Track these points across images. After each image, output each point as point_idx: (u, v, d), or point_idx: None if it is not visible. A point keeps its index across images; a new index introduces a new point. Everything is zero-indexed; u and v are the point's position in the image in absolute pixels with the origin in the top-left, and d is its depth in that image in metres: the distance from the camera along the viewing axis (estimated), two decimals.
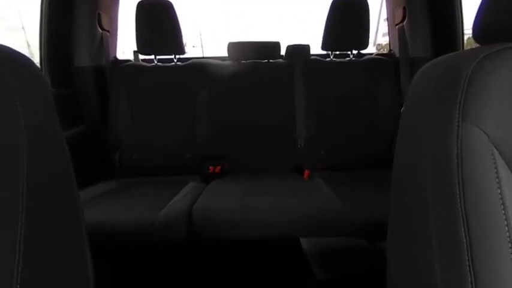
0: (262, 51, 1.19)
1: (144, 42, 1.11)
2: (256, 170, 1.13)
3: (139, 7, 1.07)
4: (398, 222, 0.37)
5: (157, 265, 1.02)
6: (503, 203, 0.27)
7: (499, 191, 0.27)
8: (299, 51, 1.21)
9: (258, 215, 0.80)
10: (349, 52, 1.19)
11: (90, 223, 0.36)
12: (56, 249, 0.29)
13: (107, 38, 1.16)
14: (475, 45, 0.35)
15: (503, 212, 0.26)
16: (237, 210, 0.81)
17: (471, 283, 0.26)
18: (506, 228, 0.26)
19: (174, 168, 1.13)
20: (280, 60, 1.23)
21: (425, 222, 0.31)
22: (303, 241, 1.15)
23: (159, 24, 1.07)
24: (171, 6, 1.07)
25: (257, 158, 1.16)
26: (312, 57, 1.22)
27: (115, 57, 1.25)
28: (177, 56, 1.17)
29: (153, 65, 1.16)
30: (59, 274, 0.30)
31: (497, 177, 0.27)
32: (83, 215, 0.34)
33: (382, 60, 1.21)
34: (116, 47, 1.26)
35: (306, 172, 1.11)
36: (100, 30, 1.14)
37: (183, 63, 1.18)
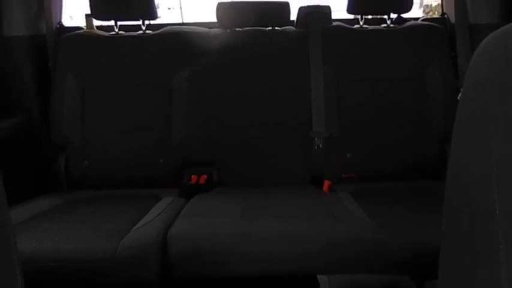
0: (264, 15, 1.01)
1: (99, 3, 0.96)
2: (256, 181, 0.97)
3: None
4: (453, 253, 0.28)
5: None
6: None
7: None
8: (316, 14, 1.04)
9: (257, 245, 0.69)
10: (386, 16, 1.02)
11: (24, 254, 0.33)
12: None
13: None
14: None
15: None
16: (228, 237, 0.70)
17: None
18: None
19: (142, 178, 0.96)
20: (291, 27, 1.06)
21: (491, 252, 0.23)
22: (322, 279, 0.91)
23: None
24: None
25: (257, 165, 0.99)
26: (334, 23, 1.05)
27: (60, 24, 1.04)
28: (147, 22, 1.00)
29: (113, 34, 0.99)
30: None
31: None
32: (15, 245, 0.28)
33: (432, 27, 1.03)
34: (61, 11, 1.05)
35: (326, 183, 0.95)
36: None
37: (155, 32, 1.00)
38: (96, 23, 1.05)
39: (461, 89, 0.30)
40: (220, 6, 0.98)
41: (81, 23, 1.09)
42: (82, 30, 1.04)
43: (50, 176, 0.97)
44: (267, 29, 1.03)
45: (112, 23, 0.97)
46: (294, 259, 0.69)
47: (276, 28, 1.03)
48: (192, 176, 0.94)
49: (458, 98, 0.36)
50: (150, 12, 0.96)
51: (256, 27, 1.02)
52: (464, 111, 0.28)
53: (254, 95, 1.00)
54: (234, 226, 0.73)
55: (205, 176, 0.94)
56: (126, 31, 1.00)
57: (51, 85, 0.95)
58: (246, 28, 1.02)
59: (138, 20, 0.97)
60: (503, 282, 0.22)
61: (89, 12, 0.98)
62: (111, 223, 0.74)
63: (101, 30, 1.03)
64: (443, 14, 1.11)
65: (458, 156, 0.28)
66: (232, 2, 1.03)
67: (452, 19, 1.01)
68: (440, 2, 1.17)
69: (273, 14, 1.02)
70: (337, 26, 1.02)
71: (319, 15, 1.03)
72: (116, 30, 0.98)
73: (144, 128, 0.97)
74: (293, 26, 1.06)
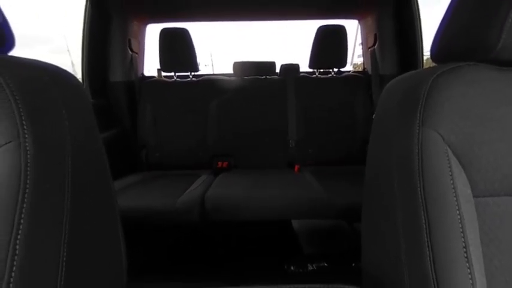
0: (261, 69, 1.27)
1: (165, 62, 1.21)
2: (256, 166, 1.21)
3: (162, 33, 1.18)
4: (370, 207, 0.39)
5: (177, 242, 1.07)
6: (455, 192, 0.28)
7: (451, 182, 0.28)
8: (291, 69, 1.30)
9: (258, 202, 0.84)
10: (331, 70, 1.28)
11: (122, 208, 0.35)
12: (95, 233, 0.30)
13: (135, 59, 1.28)
14: (432, 64, 0.37)
15: (455, 199, 0.28)
16: (241, 197, 0.85)
17: (429, 257, 0.28)
18: (458, 212, 0.28)
19: (190, 164, 1.21)
20: (276, 76, 1.31)
21: (392, 208, 0.32)
22: (294, 223, 1.23)
23: (177, 47, 1.18)
24: (187, 32, 1.18)
25: (257, 156, 1.24)
26: (301, 74, 1.31)
27: (142, 74, 1.36)
28: (192, 73, 1.27)
29: (173, 81, 1.26)
30: (98, 258, 0.31)
31: (450, 171, 0.29)
32: (116, 202, 0.34)
33: (358, 76, 1.30)
34: (143, 66, 1.37)
35: (296, 167, 1.19)
36: (130, 52, 1.26)
37: (197, 79, 1.27)
38: (163, 73, 1.32)
39: (375, 112, 0.38)
40: (235, 64, 1.27)
41: (154, 73, 1.36)
42: (155, 78, 1.32)
43: (137, 163, 1.22)
44: (262, 77, 1.28)
45: (172, 74, 1.24)
46: (278, 210, 0.84)
47: (267, 76, 1.28)
48: (219, 162, 1.21)
49: (373, 117, 0.39)
50: (195, 67, 1.22)
51: (256, 76, 1.27)
52: (376, 125, 0.38)
53: (255, 114, 1.23)
54: (244, 191, 0.88)
55: (226, 162, 1.20)
56: (180, 79, 1.26)
57: (137, 110, 1.23)
58: (250, 76, 1.27)
59: (188, 72, 1.24)
60: (399, 226, 0.31)
61: (159, 67, 1.26)
62: (172, 189, 0.90)
63: (166, 78, 1.29)
64: (364, 68, 1.40)
65: (373, 150, 0.38)
66: (242, 61, 1.26)
67: (370, 71, 1.30)
68: (362, 61, 1.43)
69: (266, 68, 1.27)
70: (304, 76, 1.28)
71: (292, 69, 1.29)
72: (175, 78, 1.25)
73: (191, 134, 1.21)
74: (277, 75, 1.31)
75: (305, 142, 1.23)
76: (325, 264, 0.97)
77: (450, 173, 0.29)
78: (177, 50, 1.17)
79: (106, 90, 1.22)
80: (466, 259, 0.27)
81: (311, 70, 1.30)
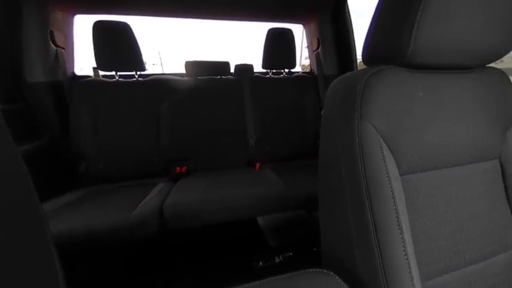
0: (215, 69, 1.24)
1: (103, 60, 1.07)
2: (217, 167, 1.17)
3: (96, 27, 1.03)
4: (325, 195, 0.41)
5: (134, 258, 0.99)
6: (387, 172, 0.33)
7: (384, 164, 0.33)
8: (245, 69, 1.30)
9: (220, 203, 0.81)
10: (283, 70, 1.33)
11: (63, 231, 0.30)
12: (22, 267, 0.25)
13: (62, 55, 1.09)
14: (364, 66, 0.40)
15: (387, 178, 0.33)
16: (203, 201, 0.81)
17: (372, 227, 0.32)
18: (390, 188, 0.32)
19: (143, 173, 1.10)
20: (231, 76, 1.29)
21: (342, 193, 0.35)
22: (259, 219, 1.25)
23: (116, 44, 1.05)
24: (127, 26, 1.05)
25: (217, 158, 1.20)
26: (255, 74, 1.32)
27: (73, 73, 1.17)
28: (138, 73, 1.15)
29: (115, 81, 1.13)
30: None
31: (383, 155, 0.33)
32: (47, 226, 0.29)
33: (306, 77, 1.37)
34: (73, 64, 1.17)
35: (257, 165, 1.20)
36: (54, 46, 1.07)
37: (145, 79, 1.16)
38: (102, 72, 1.16)
39: (323, 109, 0.40)
40: (187, 63, 1.20)
41: (89, 73, 1.20)
42: (90, 78, 1.14)
43: (75, 177, 1.04)
44: (217, 77, 1.25)
45: (113, 73, 1.10)
46: (242, 209, 0.81)
47: (223, 76, 1.25)
48: (177, 168, 1.11)
49: (321, 113, 0.43)
50: (140, 66, 1.10)
51: (210, 76, 1.23)
52: (324, 121, 0.40)
53: (211, 116, 1.18)
54: (205, 194, 0.84)
55: (185, 167, 1.12)
56: (124, 78, 1.13)
57: (68, 115, 1.04)
58: (204, 76, 1.23)
59: (132, 71, 1.11)
60: (348, 207, 0.34)
61: (94, 65, 1.09)
62: (124, 203, 0.81)
63: (106, 78, 1.14)
64: (311, 69, 1.47)
65: (323, 145, 0.40)
66: (194, 61, 1.20)
67: (316, 72, 1.38)
68: (309, 63, 1.50)
69: (220, 68, 1.23)
70: (258, 76, 1.29)
71: (247, 69, 1.29)
72: (117, 78, 1.12)
73: (142, 139, 1.09)
74: (232, 75, 1.29)
75: (263, 140, 1.24)
76: (291, 254, 1.01)
77: (383, 157, 0.33)
78: (117, 46, 1.04)
79: (23, 93, 1.00)
80: (398, 225, 0.32)
81: (264, 70, 1.32)
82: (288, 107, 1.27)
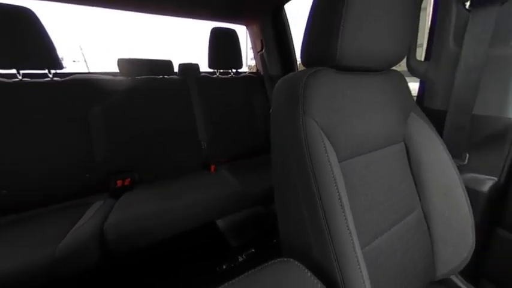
0: (155, 68, 1.13)
1: None
2: (166, 174, 1.09)
3: None
4: (279, 189, 0.43)
5: None
6: (329, 161, 0.36)
7: (326, 154, 0.36)
8: (190, 68, 1.24)
9: (174, 214, 0.77)
10: (230, 70, 1.32)
11: None
12: None
13: None
14: (303, 67, 0.44)
15: (329, 165, 0.36)
16: (152, 214, 0.75)
17: (323, 216, 0.35)
18: (332, 174, 0.36)
19: (71, 192, 0.94)
20: (175, 76, 1.22)
21: (293, 184, 0.38)
22: (218, 221, 1.23)
23: (18, 34, 0.84)
24: (31, 14, 0.85)
25: (167, 163, 1.11)
26: (202, 74, 1.27)
27: None
28: (53, 71, 0.95)
29: (17, 81, 0.90)
30: None
31: (324, 146, 0.36)
32: None
33: (253, 77, 1.40)
34: None
35: (212, 166, 1.18)
36: None
37: (63, 79, 0.97)
38: None
39: (271, 107, 0.43)
40: (120, 61, 1.06)
41: None
42: None
43: None
44: (159, 77, 1.15)
45: (14, 71, 0.88)
46: (199, 215, 0.80)
47: (165, 76, 1.17)
48: (118, 181, 0.98)
49: (270, 112, 0.42)
50: (55, 62, 0.90)
51: (149, 75, 1.12)
52: (273, 118, 0.42)
53: (155, 118, 1.08)
54: (155, 206, 0.78)
55: (129, 179, 1.00)
56: (31, 78, 0.92)
57: None
58: (143, 76, 1.11)
59: (44, 69, 0.90)
60: (300, 196, 0.36)
61: None
62: (44, 235, 0.68)
63: (2, 77, 0.89)
64: (257, 70, 1.50)
65: (274, 142, 0.42)
66: (129, 59, 1.07)
67: (262, 72, 1.41)
68: (255, 63, 1.53)
69: (162, 67, 1.14)
70: (205, 76, 1.25)
71: (192, 68, 1.23)
72: (19, 77, 0.89)
73: (64, 153, 0.91)
74: (176, 75, 1.21)
75: (215, 141, 1.22)
76: (253, 250, 1.02)
77: (324, 148, 0.36)
78: (18, 37, 0.84)
79: None
80: (340, 206, 0.36)
81: (211, 70, 1.29)
82: (237, 106, 1.28)
